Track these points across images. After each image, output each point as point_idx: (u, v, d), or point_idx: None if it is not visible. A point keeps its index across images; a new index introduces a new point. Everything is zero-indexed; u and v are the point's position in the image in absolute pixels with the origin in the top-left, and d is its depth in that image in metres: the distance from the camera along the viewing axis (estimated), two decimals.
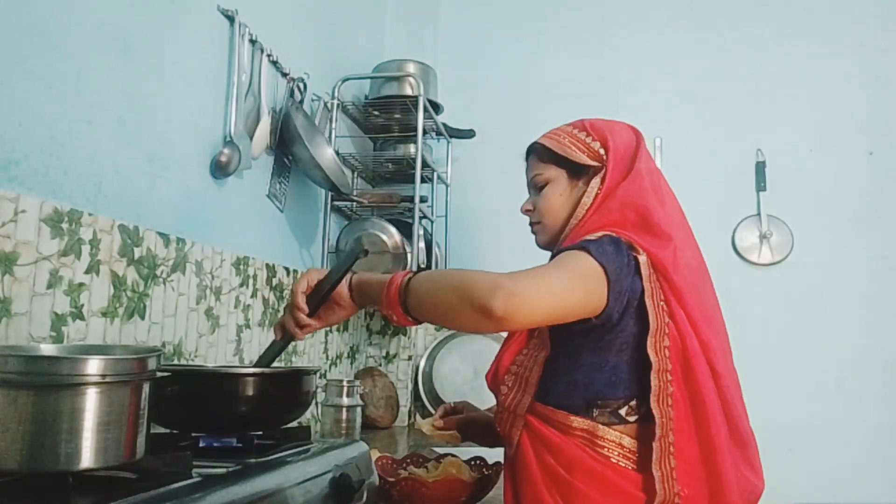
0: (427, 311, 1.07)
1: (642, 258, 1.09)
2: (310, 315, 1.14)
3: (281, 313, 1.93)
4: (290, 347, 1.97)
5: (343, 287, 1.16)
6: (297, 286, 1.14)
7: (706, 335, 1.09)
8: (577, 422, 1.08)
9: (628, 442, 1.07)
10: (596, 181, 1.20)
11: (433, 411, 2.64)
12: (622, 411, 1.08)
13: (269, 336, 1.85)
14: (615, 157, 1.20)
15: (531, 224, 1.29)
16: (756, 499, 1.11)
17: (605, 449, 1.07)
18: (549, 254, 1.26)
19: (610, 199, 1.17)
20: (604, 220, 1.16)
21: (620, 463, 1.06)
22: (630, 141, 1.23)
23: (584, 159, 1.21)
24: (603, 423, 1.08)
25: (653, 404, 1.04)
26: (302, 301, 1.13)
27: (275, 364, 1.18)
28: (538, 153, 1.28)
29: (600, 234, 1.12)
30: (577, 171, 1.22)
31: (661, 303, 1.08)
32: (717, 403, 1.06)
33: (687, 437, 1.04)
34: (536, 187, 1.27)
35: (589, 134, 1.23)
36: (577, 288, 1.03)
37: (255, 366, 1.18)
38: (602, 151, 1.21)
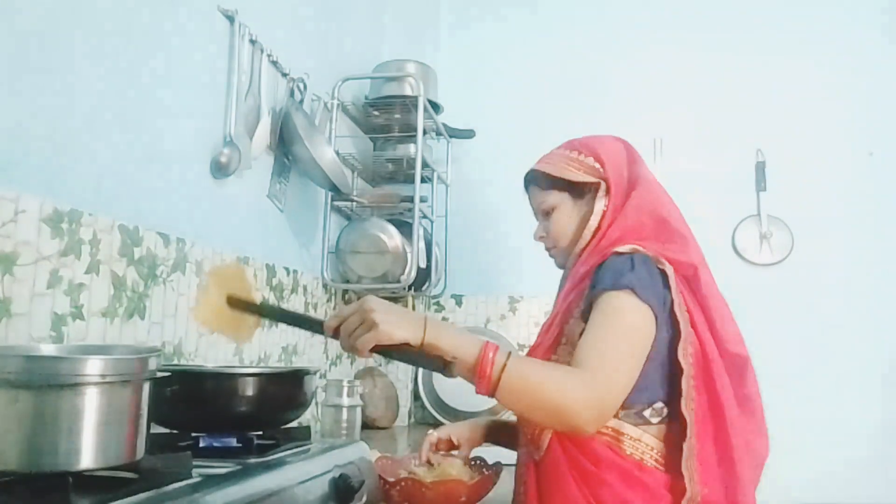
0: (513, 407, 1.05)
1: (669, 270, 1.13)
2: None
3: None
4: (289, 347, 1.98)
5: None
6: (368, 342, 0.98)
7: (722, 333, 1.15)
8: None
9: (648, 439, 1.11)
10: (601, 195, 1.23)
11: (434, 412, 2.65)
12: (646, 413, 1.12)
13: (268, 335, 1.86)
14: (612, 168, 1.23)
15: (547, 249, 1.34)
16: (762, 463, 1.17)
17: (628, 446, 1.10)
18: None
19: (626, 207, 1.21)
20: (622, 227, 1.19)
21: (644, 460, 1.10)
22: (619, 150, 1.27)
23: (583, 177, 1.24)
24: (628, 423, 1.11)
25: (683, 409, 1.08)
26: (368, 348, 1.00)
27: (275, 364, 1.18)
28: (537, 181, 1.31)
29: (628, 248, 1.14)
30: (580, 191, 1.26)
31: (685, 311, 1.13)
32: (734, 406, 1.10)
33: (704, 439, 1.08)
34: (544, 214, 1.31)
35: (580, 152, 1.26)
36: (640, 352, 1.08)
37: (289, 312, 1.13)
38: (597, 165, 1.24)
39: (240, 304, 1.07)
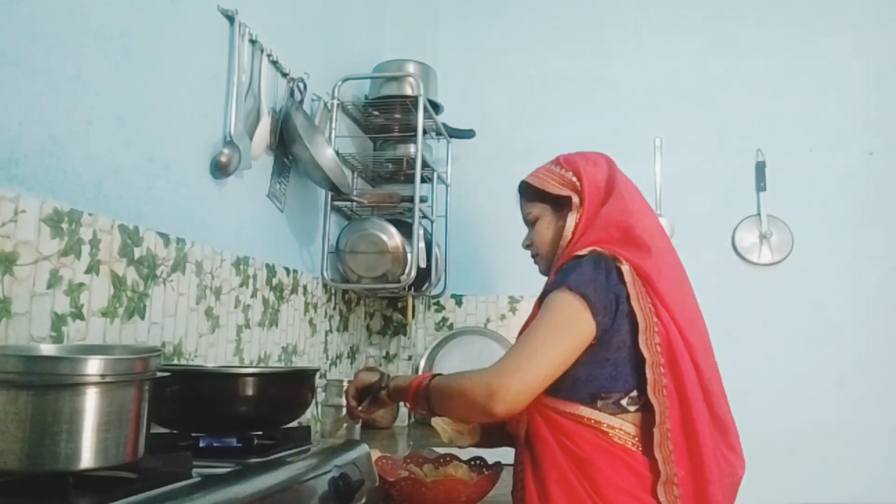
0: (445, 414, 1.30)
1: (625, 267, 1.21)
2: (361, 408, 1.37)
3: (280, 313, 1.94)
4: (289, 347, 1.98)
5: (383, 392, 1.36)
6: (348, 392, 1.40)
7: (688, 334, 1.21)
8: (586, 412, 1.18)
9: (630, 428, 1.18)
10: (575, 207, 1.32)
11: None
12: (624, 402, 1.18)
13: (269, 335, 1.86)
14: (589, 182, 1.32)
15: (532, 256, 1.43)
16: (737, 481, 1.22)
17: (613, 436, 1.17)
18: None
19: (596, 220, 1.30)
20: (591, 238, 1.28)
21: (628, 445, 1.17)
22: (601, 165, 1.36)
23: (560, 190, 1.34)
24: (608, 413, 1.18)
25: (650, 395, 1.16)
26: (354, 402, 1.38)
27: (275, 364, 1.19)
28: (525, 193, 1.42)
29: (587, 250, 1.24)
30: (559, 204, 1.35)
31: (648, 305, 1.19)
32: (698, 393, 1.17)
33: (675, 424, 1.15)
34: (529, 224, 1.42)
35: (562, 167, 1.36)
36: (566, 339, 1.16)
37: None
38: (574, 179, 1.34)
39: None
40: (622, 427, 1.17)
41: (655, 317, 1.19)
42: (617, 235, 1.26)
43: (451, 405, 1.22)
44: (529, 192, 1.40)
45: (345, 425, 1.64)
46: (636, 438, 1.17)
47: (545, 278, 1.37)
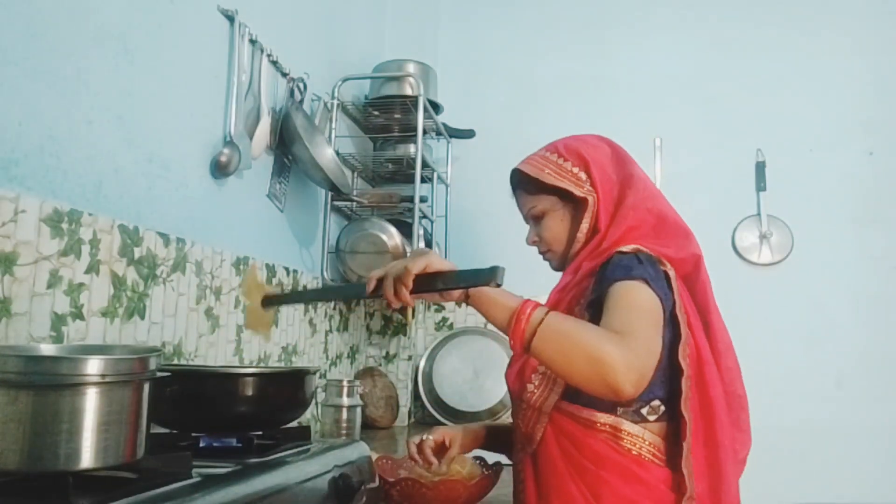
0: (549, 360, 1.03)
1: (671, 272, 1.16)
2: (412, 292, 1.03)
3: (280, 312, 1.93)
4: (289, 347, 1.98)
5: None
6: (413, 267, 1.01)
7: (715, 339, 1.19)
8: (603, 418, 1.13)
9: (650, 437, 1.13)
10: (591, 199, 1.23)
11: (434, 412, 2.64)
12: (644, 411, 1.14)
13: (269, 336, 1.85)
14: (598, 172, 1.23)
15: (541, 253, 1.33)
16: (745, 457, 1.20)
17: (628, 442, 1.12)
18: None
19: (623, 207, 1.21)
20: (623, 226, 1.20)
21: (643, 456, 1.12)
22: (605, 152, 1.27)
23: (571, 187, 1.23)
24: (627, 419, 1.13)
25: (683, 408, 1.10)
26: (410, 281, 1.01)
27: (275, 364, 1.18)
28: (524, 186, 1.30)
29: (631, 247, 1.15)
30: (568, 194, 1.24)
31: (684, 313, 1.15)
32: (723, 407, 1.14)
33: (696, 438, 1.11)
34: (535, 219, 1.30)
35: (565, 158, 1.25)
36: (659, 332, 1.08)
37: (322, 288, 1.13)
38: (582, 174, 1.24)
39: (275, 301, 1.08)
40: (642, 435, 1.13)
41: (687, 326, 1.15)
42: (650, 222, 1.20)
43: (571, 355, 0.99)
44: (530, 185, 1.28)
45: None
46: (656, 449, 1.13)
47: (547, 276, 1.35)
